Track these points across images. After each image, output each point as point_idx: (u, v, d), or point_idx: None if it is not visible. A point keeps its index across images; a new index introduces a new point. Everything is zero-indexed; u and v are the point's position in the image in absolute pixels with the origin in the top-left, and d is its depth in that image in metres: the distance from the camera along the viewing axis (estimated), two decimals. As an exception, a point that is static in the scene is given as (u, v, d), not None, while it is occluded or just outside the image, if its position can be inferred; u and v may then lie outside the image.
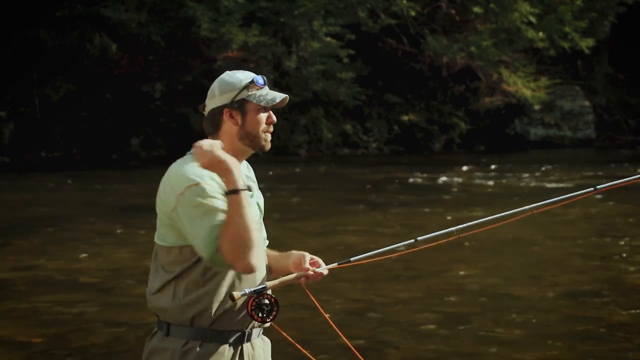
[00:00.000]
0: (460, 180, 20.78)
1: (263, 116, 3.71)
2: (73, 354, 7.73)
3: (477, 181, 20.48)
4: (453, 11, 30.21)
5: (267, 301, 3.58)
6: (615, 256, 11.70)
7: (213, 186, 3.52)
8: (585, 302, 9.33)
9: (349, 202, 17.31)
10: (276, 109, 3.80)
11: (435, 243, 4.05)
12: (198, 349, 3.60)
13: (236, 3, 26.36)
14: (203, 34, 26.43)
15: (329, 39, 27.66)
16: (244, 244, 3.42)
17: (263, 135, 3.71)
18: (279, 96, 3.71)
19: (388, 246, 3.94)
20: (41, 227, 14.21)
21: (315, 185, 20.18)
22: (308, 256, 3.75)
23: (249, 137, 3.69)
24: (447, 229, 4.00)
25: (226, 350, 3.62)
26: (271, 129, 3.75)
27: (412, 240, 3.98)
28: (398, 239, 12.84)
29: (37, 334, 8.24)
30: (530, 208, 4.12)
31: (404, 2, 28.54)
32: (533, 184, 19.97)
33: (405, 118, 29.92)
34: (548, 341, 7.93)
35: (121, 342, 7.97)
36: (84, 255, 11.92)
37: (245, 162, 3.88)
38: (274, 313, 3.60)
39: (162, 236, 3.62)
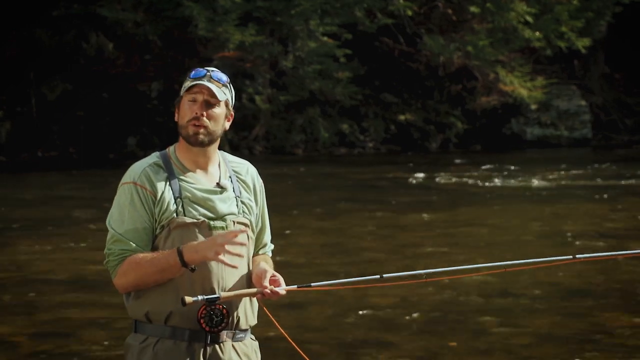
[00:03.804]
0: (457, 180, 20.79)
1: (188, 107, 3.68)
2: (72, 353, 7.73)
3: (474, 181, 20.49)
4: (450, 11, 30.22)
5: (218, 311, 3.55)
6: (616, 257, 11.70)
7: (140, 190, 3.61)
8: (585, 303, 9.34)
9: (346, 201, 17.30)
10: (210, 102, 3.70)
11: (400, 282, 4.00)
12: (154, 345, 3.60)
13: (233, 2, 26.36)
14: (200, 34, 26.42)
15: (325, 38, 27.66)
16: (135, 284, 3.59)
17: (188, 127, 3.66)
18: (193, 83, 3.66)
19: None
20: (38, 226, 14.21)
21: (312, 185, 20.18)
22: (269, 273, 3.66)
23: (179, 129, 3.71)
24: (415, 270, 3.95)
25: (184, 348, 3.59)
26: (203, 121, 3.65)
27: (378, 276, 3.89)
28: (393, 239, 12.81)
29: (33, 334, 8.23)
30: (505, 265, 4.01)
31: (401, 1, 28.55)
32: (529, 184, 19.98)
33: (402, 117, 29.92)
34: (548, 342, 7.94)
35: (119, 341, 7.96)
36: (80, 254, 11.91)
37: (246, 164, 3.87)
38: (222, 324, 3.57)
39: None
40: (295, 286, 3.75)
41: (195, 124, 3.66)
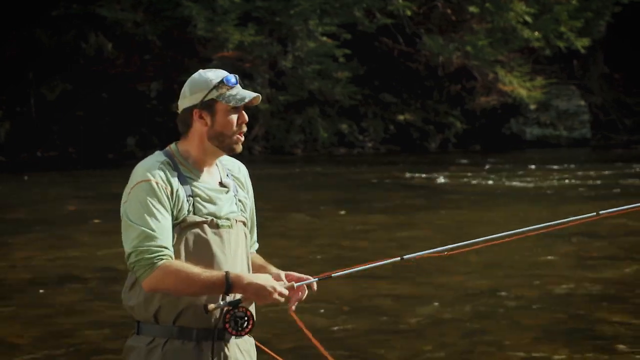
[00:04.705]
0: (456, 180, 20.80)
1: (233, 117, 3.66)
2: (71, 353, 7.74)
3: (473, 181, 20.50)
4: (449, 10, 30.23)
5: (241, 314, 3.55)
6: (615, 254, 11.73)
7: (161, 187, 3.57)
8: (583, 302, 9.36)
9: (345, 202, 17.31)
10: (249, 106, 3.73)
11: (421, 255, 3.93)
12: (163, 346, 3.59)
13: (232, 2, 26.37)
14: (199, 34, 26.44)
15: (325, 38, 27.68)
16: (168, 290, 3.53)
17: (234, 137, 3.67)
18: (248, 95, 3.65)
19: (374, 259, 3.86)
20: (37, 226, 14.21)
21: (311, 185, 20.19)
22: (282, 274, 3.71)
23: (219, 138, 3.66)
24: (436, 248, 3.85)
25: (192, 348, 3.59)
26: (244, 129, 3.69)
27: (398, 258, 3.85)
28: (392, 240, 12.82)
29: (31, 334, 8.24)
30: (527, 230, 3.98)
31: (400, 1, 28.57)
32: (529, 184, 19.99)
33: (401, 117, 29.94)
34: (545, 342, 7.95)
35: (118, 342, 7.97)
36: (80, 254, 11.92)
37: (237, 162, 3.89)
38: (249, 327, 3.57)
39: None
40: (316, 278, 3.76)
41: (241, 134, 3.69)
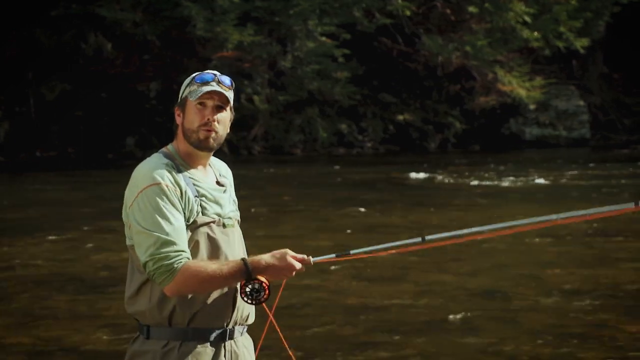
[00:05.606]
0: (455, 179, 20.80)
1: (197, 112, 3.64)
2: (69, 354, 7.74)
3: (473, 181, 20.50)
4: (448, 11, 30.25)
5: (257, 286, 3.57)
6: (613, 255, 11.73)
7: (172, 189, 3.56)
8: (581, 302, 9.36)
9: (344, 201, 17.31)
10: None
11: (442, 243, 3.85)
12: (178, 349, 3.58)
13: (231, 3, 26.39)
14: (198, 34, 26.46)
15: (324, 38, 27.71)
16: (193, 291, 3.53)
17: (200, 132, 3.63)
18: (204, 90, 3.63)
19: (391, 243, 3.83)
20: (36, 226, 14.21)
21: (311, 185, 20.18)
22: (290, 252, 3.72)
23: (187, 134, 3.66)
24: (456, 230, 3.75)
25: (207, 348, 3.61)
26: (214, 126, 3.64)
27: (419, 239, 3.80)
28: (392, 239, 12.84)
29: (32, 334, 8.24)
30: (558, 218, 3.80)
31: (399, 1, 28.59)
32: (528, 184, 20.00)
33: (401, 117, 29.96)
34: (540, 341, 7.95)
35: (118, 343, 7.98)
36: (79, 254, 11.92)
37: (224, 165, 3.90)
38: (264, 296, 3.58)
39: (131, 235, 3.60)
40: (334, 255, 3.80)
41: (206, 129, 3.65)
